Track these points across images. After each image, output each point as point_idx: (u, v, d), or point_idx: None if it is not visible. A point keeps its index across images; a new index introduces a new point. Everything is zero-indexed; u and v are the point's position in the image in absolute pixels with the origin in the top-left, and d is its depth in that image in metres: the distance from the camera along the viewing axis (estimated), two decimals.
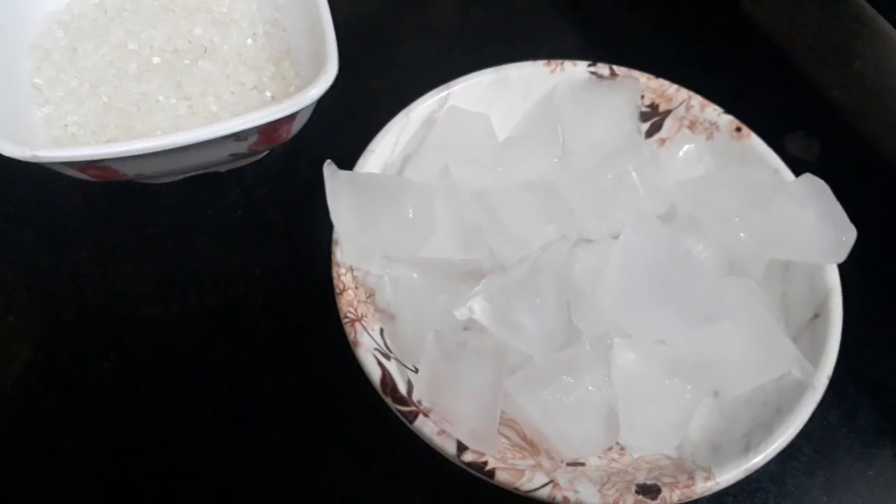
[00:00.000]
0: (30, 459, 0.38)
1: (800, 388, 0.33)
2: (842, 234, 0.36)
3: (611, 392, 0.32)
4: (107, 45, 0.45)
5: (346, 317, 0.35)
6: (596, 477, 0.32)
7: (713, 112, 0.43)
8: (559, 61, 0.44)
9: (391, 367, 0.34)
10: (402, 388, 0.33)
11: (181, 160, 0.41)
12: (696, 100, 0.43)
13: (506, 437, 0.35)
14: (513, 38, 0.57)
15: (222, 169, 0.47)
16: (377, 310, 0.37)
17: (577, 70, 0.44)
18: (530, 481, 0.31)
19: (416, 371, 0.35)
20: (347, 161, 0.39)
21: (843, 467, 0.39)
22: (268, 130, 0.40)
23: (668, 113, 0.44)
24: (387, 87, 0.52)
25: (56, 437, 0.39)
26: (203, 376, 0.41)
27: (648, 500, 0.31)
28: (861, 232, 0.36)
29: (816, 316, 0.36)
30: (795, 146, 0.48)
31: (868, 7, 0.47)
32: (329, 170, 0.36)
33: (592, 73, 0.44)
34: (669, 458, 0.34)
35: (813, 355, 0.35)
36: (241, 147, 0.41)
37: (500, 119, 0.44)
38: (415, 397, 0.33)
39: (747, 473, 0.31)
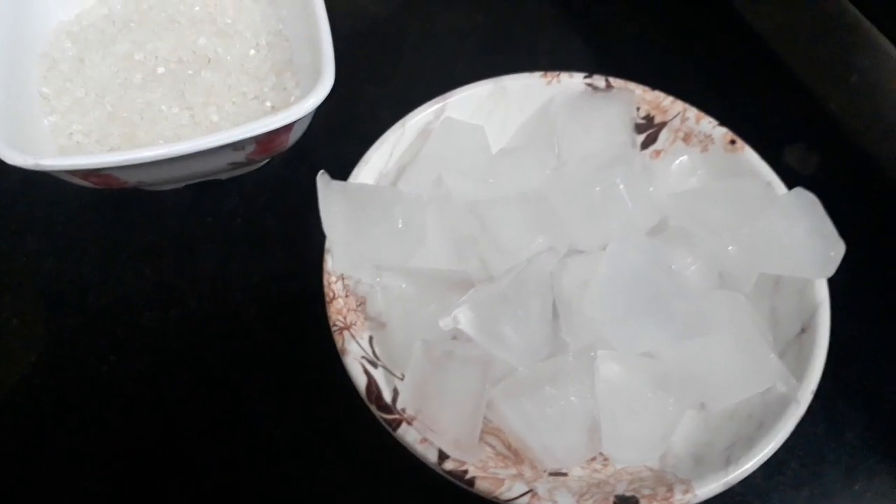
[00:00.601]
0: (32, 460, 0.39)
1: (783, 403, 0.33)
2: (830, 249, 0.36)
3: (594, 403, 0.32)
4: (113, 55, 0.46)
5: (335, 325, 0.35)
6: (576, 487, 0.32)
7: (708, 124, 0.43)
8: (556, 73, 0.44)
9: (378, 374, 0.34)
10: (388, 397, 0.33)
11: (180, 169, 0.41)
12: (692, 112, 0.43)
13: (490, 445, 0.35)
14: (515, 48, 0.57)
15: (223, 177, 0.47)
16: (367, 318, 0.37)
17: (574, 82, 0.44)
18: (510, 490, 0.31)
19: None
20: (347, 170, 0.39)
21: (829, 481, 0.38)
22: (265, 140, 0.40)
23: (663, 125, 0.44)
24: (388, 95, 0.53)
25: (57, 437, 0.40)
26: (200, 380, 0.41)
27: None
28: (858, 244, 0.36)
29: (803, 330, 0.36)
30: (794, 158, 0.48)
31: (865, 21, 0.47)
32: (322, 180, 0.37)
33: (588, 84, 0.44)
34: (651, 469, 0.34)
35: (798, 370, 0.34)
36: (240, 156, 0.42)
37: (496, 130, 0.44)
38: (400, 405, 0.33)
39: (726, 487, 0.31)
